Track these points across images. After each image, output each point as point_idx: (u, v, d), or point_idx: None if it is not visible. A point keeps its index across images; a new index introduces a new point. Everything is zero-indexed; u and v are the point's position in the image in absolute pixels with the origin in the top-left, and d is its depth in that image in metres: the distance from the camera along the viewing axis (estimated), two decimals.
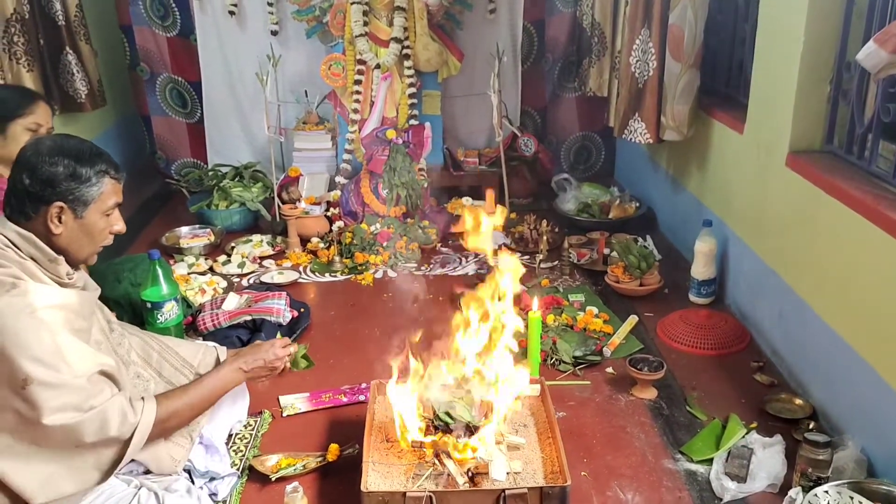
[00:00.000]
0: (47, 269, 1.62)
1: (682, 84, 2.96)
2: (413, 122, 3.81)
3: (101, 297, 1.85)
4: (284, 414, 2.27)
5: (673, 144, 3.30)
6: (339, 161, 3.97)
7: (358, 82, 3.80)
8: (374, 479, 1.80)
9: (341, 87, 3.88)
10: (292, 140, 4.05)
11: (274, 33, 4.05)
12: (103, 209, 1.67)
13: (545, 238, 3.32)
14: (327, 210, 3.71)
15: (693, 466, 2.01)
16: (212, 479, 1.90)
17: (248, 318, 2.62)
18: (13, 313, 1.49)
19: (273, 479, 1.94)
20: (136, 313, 2.41)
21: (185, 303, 2.70)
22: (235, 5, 4.00)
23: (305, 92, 4.12)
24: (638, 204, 3.77)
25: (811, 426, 2.11)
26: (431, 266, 3.34)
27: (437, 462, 1.81)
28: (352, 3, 3.69)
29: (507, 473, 1.79)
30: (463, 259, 3.41)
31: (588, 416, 2.25)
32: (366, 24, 3.74)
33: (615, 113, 3.40)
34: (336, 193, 3.76)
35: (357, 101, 3.82)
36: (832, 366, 2.15)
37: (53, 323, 1.54)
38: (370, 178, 3.65)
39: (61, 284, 1.64)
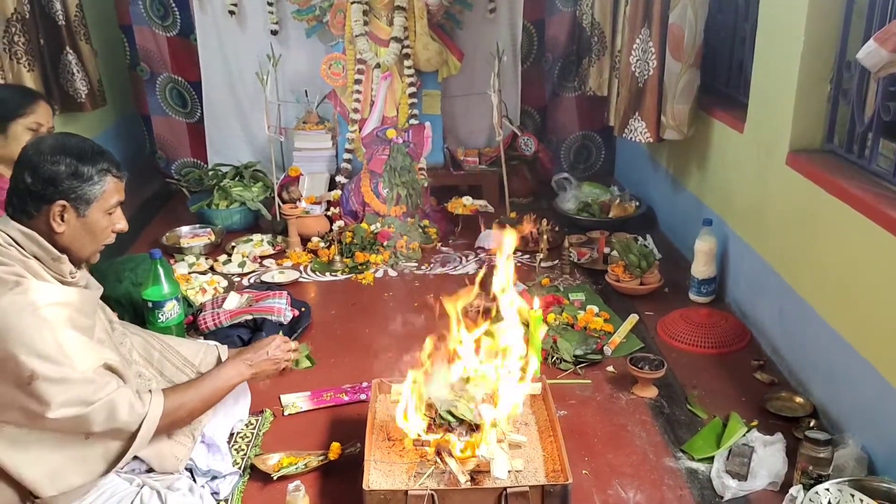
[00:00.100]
0: (50, 268, 1.63)
1: (683, 83, 2.96)
2: (413, 121, 3.81)
3: (102, 297, 1.85)
4: (286, 413, 2.27)
5: (673, 143, 3.30)
6: (339, 160, 3.97)
7: (358, 82, 3.80)
8: (375, 477, 1.80)
9: (341, 86, 3.89)
10: (292, 140, 4.06)
11: (274, 33, 4.05)
12: (105, 207, 1.67)
13: (545, 237, 3.32)
14: (328, 209, 3.71)
15: (694, 465, 2.02)
16: (214, 477, 1.90)
17: (249, 317, 2.63)
18: (16, 311, 1.50)
19: (275, 477, 1.95)
20: (138, 313, 2.41)
21: (186, 302, 2.70)
22: (235, 5, 4.00)
23: (305, 91, 4.12)
24: (638, 203, 3.77)
25: (812, 424, 2.11)
26: (432, 265, 3.35)
27: (438, 460, 1.81)
28: (352, 3, 3.70)
29: (509, 472, 1.80)
30: (463, 258, 3.41)
31: (589, 414, 2.26)
32: (366, 23, 3.75)
33: (615, 112, 3.41)
34: (336, 193, 3.76)
35: (357, 100, 3.82)
36: (832, 364, 2.15)
37: (57, 320, 1.54)
38: (370, 177, 3.65)
39: (64, 283, 1.64)
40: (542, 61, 4.31)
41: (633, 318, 2.76)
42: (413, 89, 3.83)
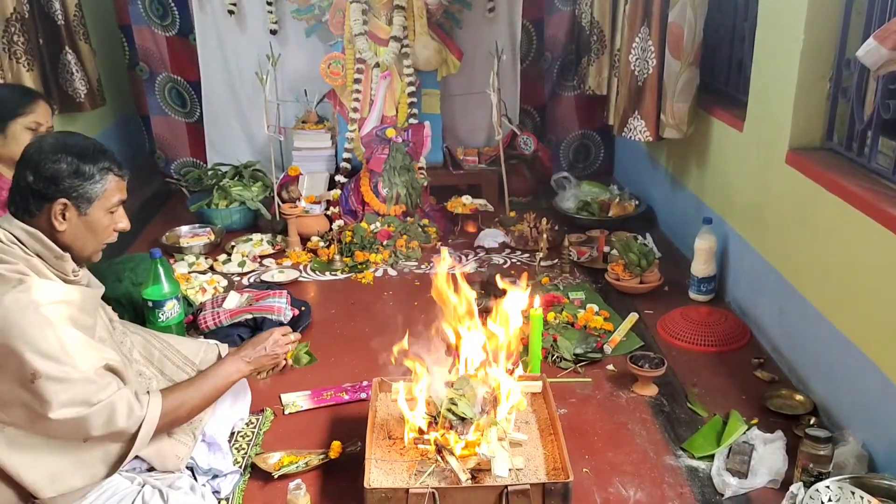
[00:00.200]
0: (53, 266, 1.63)
1: (682, 82, 2.96)
2: (412, 120, 3.81)
3: (102, 297, 1.85)
4: (286, 412, 2.27)
5: (672, 142, 3.30)
6: (338, 160, 3.97)
7: (357, 81, 3.80)
8: (376, 475, 1.81)
9: (341, 85, 3.89)
10: (292, 139, 4.05)
11: (273, 32, 4.05)
12: (107, 206, 1.67)
13: (545, 236, 3.32)
14: (327, 209, 3.71)
15: (694, 463, 2.02)
16: (214, 476, 1.90)
17: (249, 316, 2.62)
18: (19, 309, 1.50)
19: (275, 476, 1.95)
20: (137, 312, 2.41)
21: (186, 301, 2.70)
22: (235, 4, 4.00)
23: (305, 91, 4.12)
24: (637, 202, 3.78)
25: (812, 422, 2.11)
26: (431, 264, 3.35)
27: (439, 459, 1.81)
28: (351, 2, 3.70)
29: (510, 470, 1.80)
30: (463, 257, 3.41)
31: (589, 412, 2.26)
32: (365, 22, 3.75)
33: (615, 111, 3.41)
34: (336, 192, 3.76)
35: (356, 99, 3.82)
36: (832, 361, 2.15)
37: (59, 319, 1.54)
38: (370, 176, 3.65)
39: (66, 281, 1.64)
40: (542, 60, 4.31)
41: (632, 317, 2.76)
42: (412, 88, 3.83)
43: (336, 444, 2.05)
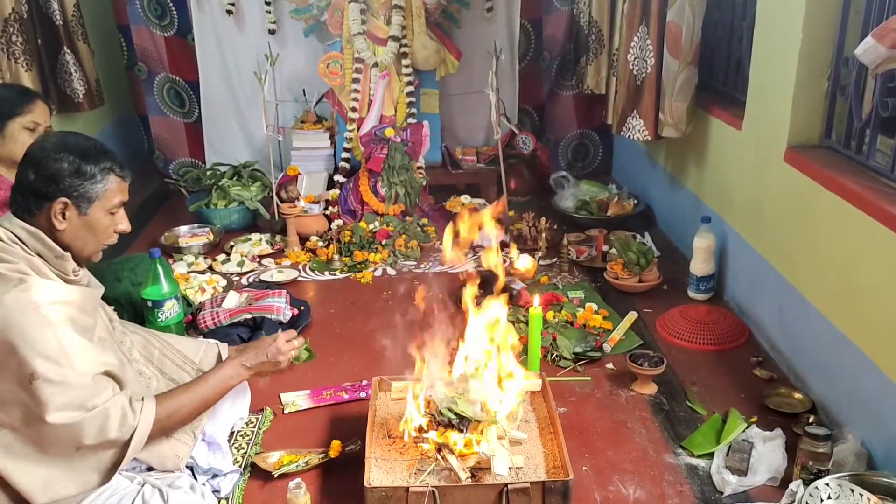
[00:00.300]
0: (54, 266, 1.63)
1: (680, 81, 2.97)
2: (411, 120, 3.81)
3: (102, 296, 1.85)
4: (286, 411, 2.27)
5: (671, 141, 3.31)
6: (337, 159, 3.97)
7: (356, 81, 3.80)
8: (376, 474, 1.81)
9: (339, 85, 3.88)
10: (291, 139, 4.05)
11: (272, 32, 4.05)
12: (108, 207, 1.67)
13: (544, 235, 3.32)
14: (326, 208, 3.71)
15: (694, 461, 2.02)
16: (214, 475, 1.90)
17: (249, 316, 2.63)
18: (20, 308, 1.50)
19: (275, 475, 1.95)
20: (137, 312, 2.41)
21: (186, 301, 2.70)
22: (233, 4, 4.00)
23: (303, 91, 4.12)
24: (636, 201, 3.78)
25: (811, 420, 2.12)
26: (431, 264, 3.35)
27: (439, 457, 1.81)
28: (350, 2, 3.70)
29: (510, 468, 1.80)
30: (462, 257, 3.41)
31: (589, 411, 2.26)
32: (363, 22, 3.74)
33: (613, 110, 3.41)
34: (335, 192, 3.76)
35: (355, 99, 3.82)
36: (831, 359, 2.16)
37: (58, 320, 1.54)
38: (369, 176, 3.65)
39: (67, 281, 1.64)
40: (540, 60, 4.32)
41: (632, 316, 2.76)
42: (411, 88, 3.83)
43: (336, 444, 2.05)
